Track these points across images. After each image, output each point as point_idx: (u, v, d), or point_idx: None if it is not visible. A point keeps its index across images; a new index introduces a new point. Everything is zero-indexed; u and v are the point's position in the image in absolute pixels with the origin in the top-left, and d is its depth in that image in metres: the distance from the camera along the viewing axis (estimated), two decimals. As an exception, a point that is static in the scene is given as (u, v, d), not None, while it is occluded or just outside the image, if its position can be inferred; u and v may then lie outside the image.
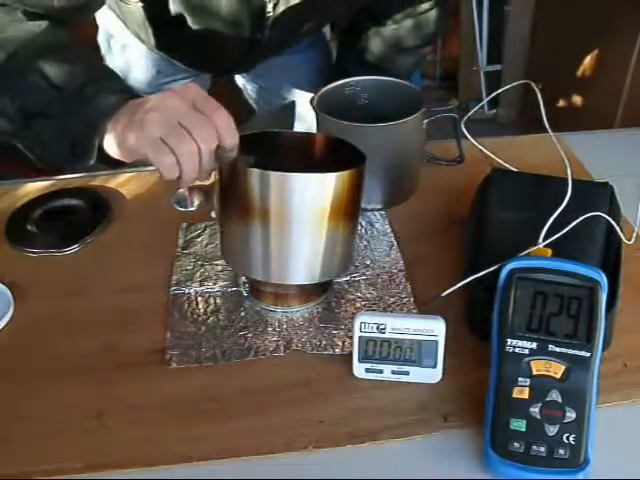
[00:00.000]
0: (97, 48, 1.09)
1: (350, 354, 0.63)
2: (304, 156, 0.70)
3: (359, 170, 0.64)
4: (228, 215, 0.67)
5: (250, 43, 0.93)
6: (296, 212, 0.62)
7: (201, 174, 0.61)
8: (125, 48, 1.05)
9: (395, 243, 0.80)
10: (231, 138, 0.60)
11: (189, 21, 0.88)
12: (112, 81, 0.67)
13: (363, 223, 0.83)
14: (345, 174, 0.62)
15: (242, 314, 0.71)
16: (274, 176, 0.61)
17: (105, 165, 0.67)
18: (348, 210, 0.65)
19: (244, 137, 0.62)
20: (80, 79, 0.65)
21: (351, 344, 0.62)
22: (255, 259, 0.66)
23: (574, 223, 0.65)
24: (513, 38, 2.49)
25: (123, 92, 0.65)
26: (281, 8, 0.86)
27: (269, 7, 0.86)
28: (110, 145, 0.64)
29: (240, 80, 1.23)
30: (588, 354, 0.54)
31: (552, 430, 0.53)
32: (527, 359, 0.55)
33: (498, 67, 2.56)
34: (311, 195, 0.62)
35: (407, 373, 0.62)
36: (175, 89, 0.61)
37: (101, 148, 0.65)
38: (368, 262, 0.77)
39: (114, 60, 1.08)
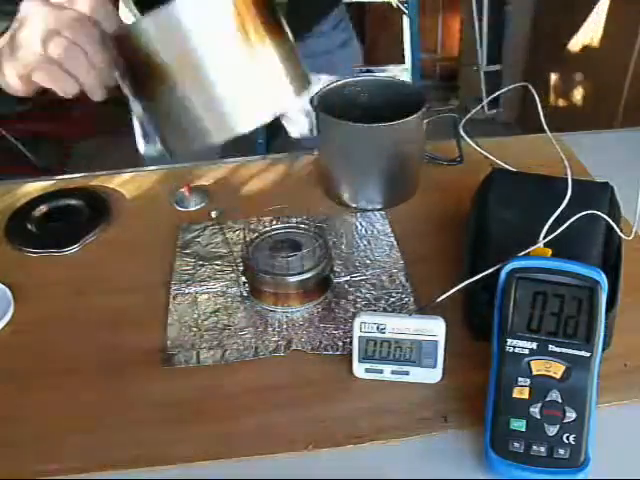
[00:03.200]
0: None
1: (350, 354, 0.63)
2: None
3: None
4: (141, 95, 0.57)
5: None
6: (198, 43, 0.51)
7: (103, 79, 0.55)
8: None
9: (395, 243, 0.80)
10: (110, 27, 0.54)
11: None
12: None
13: (363, 223, 0.83)
14: None
15: (242, 314, 0.71)
16: (148, 21, 0.51)
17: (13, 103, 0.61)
18: (259, 9, 0.53)
19: None
20: None
21: (351, 344, 0.62)
22: (191, 128, 0.55)
23: (571, 220, 0.65)
24: (513, 38, 2.49)
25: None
26: None
27: None
28: (3, 82, 0.58)
29: None
30: (588, 354, 0.54)
31: (552, 430, 0.53)
32: (527, 359, 0.55)
33: (498, 67, 2.56)
34: (198, 15, 0.51)
35: (407, 373, 0.62)
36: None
37: None
38: (368, 262, 0.77)
39: None
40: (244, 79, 0.54)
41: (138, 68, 0.54)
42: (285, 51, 0.56)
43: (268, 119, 0.56)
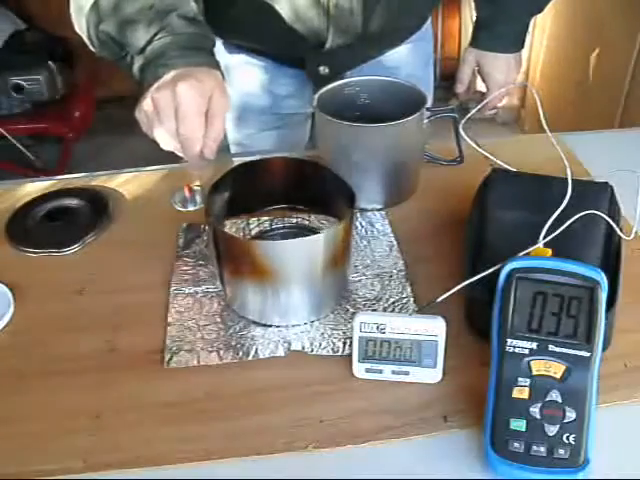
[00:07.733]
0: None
1: (350, 354, 0.63)
2: (283, 183, 0.74)
3: (348, 222, 0.66)
4: (225, 270, 0.68)
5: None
6: (291, 272, 0.65)
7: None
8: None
9: (395, 243, 0.80)
10: (210, 148, 0.63)
11: None
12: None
13: (363, 223, 0.83)
14: (334, 230, 0.64)
15: (242, 314, 0.71)
16: (264, 245, 0.65)
17: None
18: (343, 253, 0.67)
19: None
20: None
21: (351, 344, 0.62)
22: (255, 307, 0.68)
23: (570, 220, 0.65)
24: (513, 38, 2.48)
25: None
26: None
27: None
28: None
29: None
30: (588, 354, 0.54)
31: (552, 430, 0.53)
32: (527, 359, 0.55)
33: (498, 67, 2.55)
34: (304, 256, 0.64)
35: (407, 373, 0.62)
36: (197, 78, 0.62)
37: None
38: (368, 262, 0.77)
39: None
40: (312, 293, 0.68)
41: (229, 258, 0.67)
42: (343, 270, 0.71)
43: None
